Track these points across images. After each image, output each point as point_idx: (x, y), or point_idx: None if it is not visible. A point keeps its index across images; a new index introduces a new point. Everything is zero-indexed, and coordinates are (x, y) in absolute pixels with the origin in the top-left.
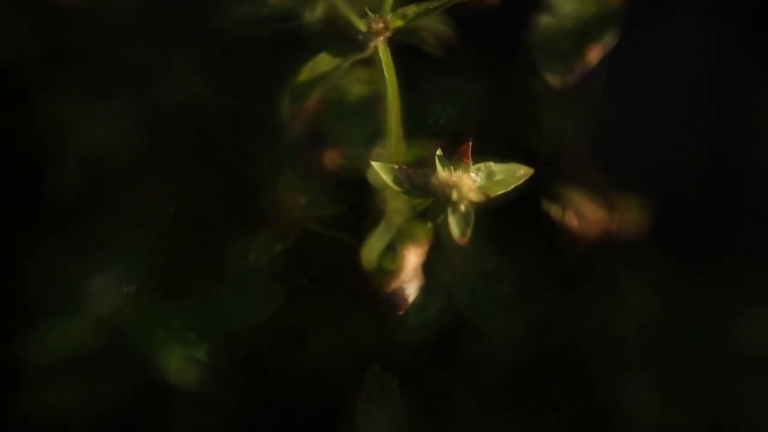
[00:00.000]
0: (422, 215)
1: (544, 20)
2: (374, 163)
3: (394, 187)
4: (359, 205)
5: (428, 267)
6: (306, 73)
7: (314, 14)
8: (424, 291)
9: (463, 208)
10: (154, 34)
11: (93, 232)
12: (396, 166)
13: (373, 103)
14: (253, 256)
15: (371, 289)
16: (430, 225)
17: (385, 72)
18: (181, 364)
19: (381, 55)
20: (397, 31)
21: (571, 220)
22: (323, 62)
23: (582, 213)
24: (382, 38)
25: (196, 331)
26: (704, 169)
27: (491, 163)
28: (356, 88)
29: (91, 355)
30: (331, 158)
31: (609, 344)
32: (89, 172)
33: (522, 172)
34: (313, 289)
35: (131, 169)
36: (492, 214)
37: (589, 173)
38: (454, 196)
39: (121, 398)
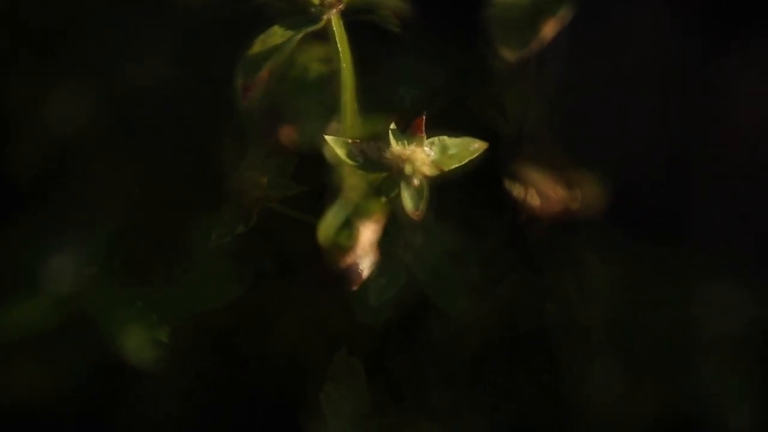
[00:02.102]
0: (377, 191)
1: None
2: (328, 138)
3: (348, 161)
4: (322, 184)
5: (389, 246)
6: (258, 46)
7: None
8: (385, 271)
9: (416, 182)
10: (121, 14)
11: (56, 213)
12: (350, 141)
13: (332, 80)
14: (215, 237)
15: (336, 271)
16: (384, 200)
17: (338, 45)
18: (142, 345)
19: (334, 29)
20: (355, 8)
21: (531, 199)
22: (275, 35)
23: (541, 191)
24: (335, 11)
25: (159, 313)
26: (664, 150)
27: (445, 138)
28: (315, 65)
29: (51, 335)
30: (287, 135)
31: (571, 327)
32: (53, 153)
33: (476, 146)
34: (279, 272)
35: (96, 150)
36: (456, 194)
37: (550, 151)
38: (408, 169)
39: (82, 379)
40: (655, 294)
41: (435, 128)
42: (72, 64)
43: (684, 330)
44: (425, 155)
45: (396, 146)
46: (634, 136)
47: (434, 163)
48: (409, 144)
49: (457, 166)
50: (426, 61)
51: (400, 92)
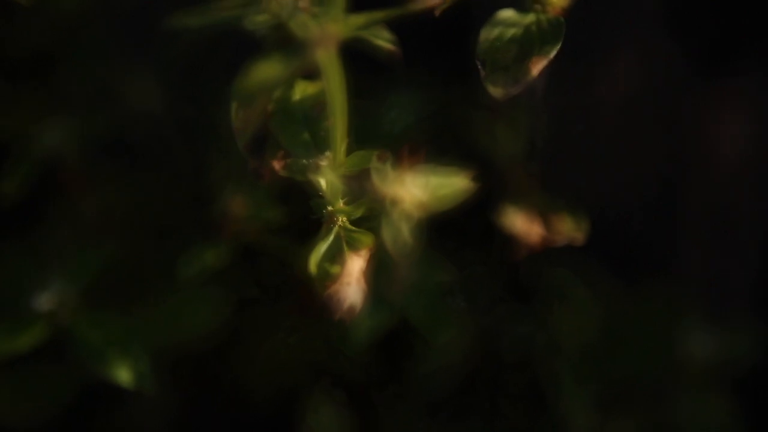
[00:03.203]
0: (363, 223)
1: (487, 32)
2: (316, 171)
3: (335, 195)
4: (308, 213)
5: (377, 276)
6: (251, 78)
7: (259, 20)
8: (372, 301)
9: (399, 218)
10: (111, 39)
11: (43, 238)
12: (337, 174)
13: (323, 109)
14: (199, 265)
15: (322, 301)
16: (370, 233)
17: (329, 79)
18: (125, 370)
19: (325, 62)
20: (346, 39)
21: (514, 231)
22: (268, 67)
23: (523, 224)
24: (327, 44)
25: (142, 338)
26: (647, 185)
27: (432, 177)
28: (306, 94)
29: (34, 359)
30: (276, 165)
31: (554, 358)
32: (41, 179)
33: (463, 186)
34: (262, 300)
35: (84, 176)
36: (444, 224)
37: (533, 185)
38: (390, 208)
39: (65, 402)
40: (634, 327)
41: (426, 155)
42: (59, 91)
43: (663, 363)
44: (410, 195)
45: (379, 184)
46: (616, 171)
47: (419, 205)
48: (394, 180)
49: (439, 207)
50: (417, 89)
51: (391, 117)
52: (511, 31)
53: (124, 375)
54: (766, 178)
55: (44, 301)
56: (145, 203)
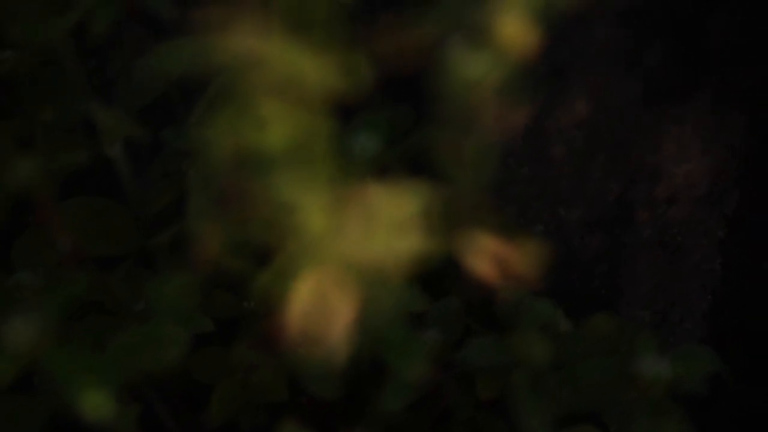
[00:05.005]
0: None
1: (453, 77)
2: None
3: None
4: (272, 247)
5: (347, 307)
6: (221, 122)
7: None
8: (341, 333)
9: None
10: (85, 73)
11: (14, 272)
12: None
13: (297, 149)
14: (158, 299)
15: (284, 336)
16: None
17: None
18: (87, 404)
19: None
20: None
21: (475, 264)
22: (237, 111)
23: (484, 257)
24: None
25: (101, 374)
26: (597, 215)
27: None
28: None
29: (5, 393)
30: (245, 201)
31: (530, 393)
32: (11, 212)
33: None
34: (223, 334)
35: (50, 209)
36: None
37: (492, 217)
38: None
39: None
40: (590, 359)
41: (393, 179)
42: (31, 125)
43: (617, 390)
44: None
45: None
46: (569, 201)
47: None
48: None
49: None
50: (389, 111)
51: (361, 140)
52: (478, 75)
53: (90, 407)
54: (717, 207)
55: (16, 338)
56: (108, 236)
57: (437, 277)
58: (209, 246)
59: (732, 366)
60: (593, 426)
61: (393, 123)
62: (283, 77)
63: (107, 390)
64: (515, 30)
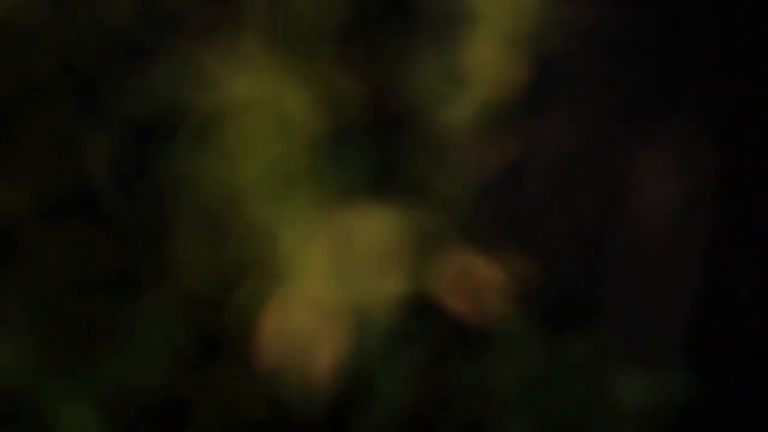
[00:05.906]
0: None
1: (430, 112)
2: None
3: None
4: (250, 270)
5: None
6: (203, 151)
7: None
8: (325, 354)
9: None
10: (71, 101)
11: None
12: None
13: (277, 178)
14: (141, 321)
15: (265, 357)
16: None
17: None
18: (70, 427)
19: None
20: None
21: (459, 284)
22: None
23: (469, 276)
24: None
25: (83, 396)
26: (577, 239)
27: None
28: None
29: None
30: (226, 227)
31: (496, 403)
32: None
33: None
34: (205, 355)
35: (33, 237)
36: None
37: (476, 239)
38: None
39: None
40: (567, 372)
41: (371, 203)
42: (16, 151)
43: (595, 406)
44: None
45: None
46: (549, 225)
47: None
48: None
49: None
50: (365, 138)
51: (339, 173)
52: (463, 113)
53: (73, 429)
54: (694, 231)
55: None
56: (100, 258)
57: (421, 296)
58: (192, 268)
59: (708, 383)
60: None
61: (373, 153)
62: (266, 112)
63: (90, 411)
64: (494, 64)
